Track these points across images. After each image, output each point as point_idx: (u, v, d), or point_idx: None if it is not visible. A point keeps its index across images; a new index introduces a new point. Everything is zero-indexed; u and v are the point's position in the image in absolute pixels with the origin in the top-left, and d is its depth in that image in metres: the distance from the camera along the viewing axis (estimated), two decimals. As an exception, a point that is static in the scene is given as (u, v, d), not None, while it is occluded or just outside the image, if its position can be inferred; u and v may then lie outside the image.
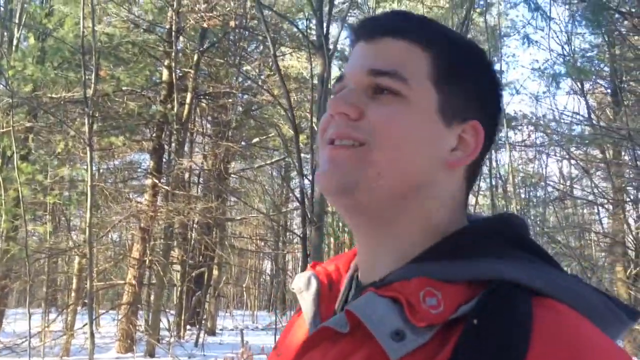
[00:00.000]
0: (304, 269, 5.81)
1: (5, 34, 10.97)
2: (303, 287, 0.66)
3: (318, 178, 0.61)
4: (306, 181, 6.32)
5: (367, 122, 0.59)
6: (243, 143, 14.04)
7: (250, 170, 17.02)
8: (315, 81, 6.97)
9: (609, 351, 0.50)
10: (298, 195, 5.88)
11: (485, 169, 19.02)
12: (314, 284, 0.65)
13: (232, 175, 15.39)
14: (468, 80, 0.63)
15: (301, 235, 5.74)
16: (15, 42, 10.65)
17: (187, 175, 11.70)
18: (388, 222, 0.60)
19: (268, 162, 16.52)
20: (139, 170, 13.15)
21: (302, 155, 6.93)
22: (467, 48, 0.65)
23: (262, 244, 22.77)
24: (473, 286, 0.54)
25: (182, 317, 11.23)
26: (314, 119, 6.24)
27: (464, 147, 0.62)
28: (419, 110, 0.60)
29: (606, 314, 0.55)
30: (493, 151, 18.26)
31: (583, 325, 0.51)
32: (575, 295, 0.54)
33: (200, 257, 12.62)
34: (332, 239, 17.09)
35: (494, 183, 18.76)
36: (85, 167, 10.68)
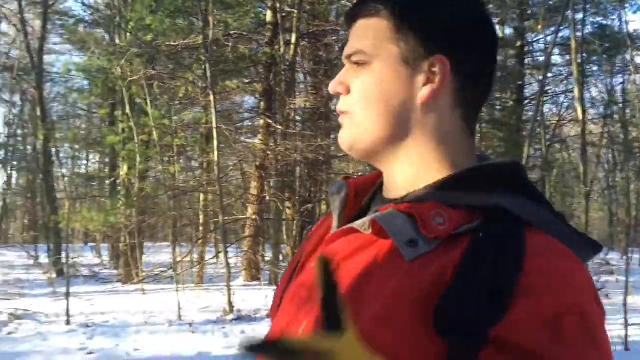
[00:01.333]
0: None
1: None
2: (335, 191, 0.78)
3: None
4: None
5: (352, 93, 0.73)
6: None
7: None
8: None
9: (577, 268, 0.63)
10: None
11: (597, 95, 17.86)
12: (344, 190, 0.77)
13: (334, 114, 15.62)
14: (421, 24, 0.71)
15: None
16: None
17: (292, 114, 12.07)
18: (392, 161, 0.73)
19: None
20: (248, 111, 13.68)
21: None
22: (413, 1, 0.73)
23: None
24: (472, 213, 0.65)
25: (296, 249, 11.91)
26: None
27: (431, 81, 0.70)
28: (380, 69, 0.71)
29: (580, 244, 0.68)
30: (608, 76, 17.13)
31: (574, 260, 0.64)
32: (556, 228, 0.67)
33: (309, 193, 13.17)
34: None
35: (609, 111, 17.68)
36: (202, 110, 11.35)
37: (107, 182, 13.54)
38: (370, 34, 0.72)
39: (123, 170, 10.71)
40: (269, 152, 9.71)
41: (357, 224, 0.69)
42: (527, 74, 15.99)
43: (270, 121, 10.34)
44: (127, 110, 10.03)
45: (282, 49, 10.93)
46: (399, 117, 0.71)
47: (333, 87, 0.75)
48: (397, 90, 0.71)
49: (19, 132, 24.17)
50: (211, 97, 7.99)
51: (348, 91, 0.73)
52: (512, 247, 0.61)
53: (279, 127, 10.03)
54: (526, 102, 16.55)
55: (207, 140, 10.89)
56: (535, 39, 16.61)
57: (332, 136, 15.47)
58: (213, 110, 7.88)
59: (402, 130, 0.72)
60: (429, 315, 0.60)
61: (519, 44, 15.89)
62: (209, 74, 8.01)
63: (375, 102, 0.71)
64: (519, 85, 16.20)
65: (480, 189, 0.68)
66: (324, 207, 14.08)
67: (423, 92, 0.70)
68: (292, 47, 11.21)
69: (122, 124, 10.93)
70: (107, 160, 16.13)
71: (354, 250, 0.69)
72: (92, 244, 17.35)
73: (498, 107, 16.65)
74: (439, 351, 0.59)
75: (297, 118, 13.29)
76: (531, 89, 16.92)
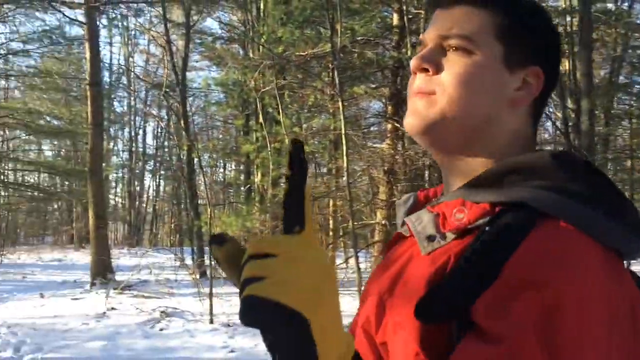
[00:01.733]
0: None
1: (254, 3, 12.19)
2: (402, 202, 0.83)
3: (404, 123, 0.75)
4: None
5: (441, 75, 0.72)
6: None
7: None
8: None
9: (589, 267, 0.59)
10: (560, 127, 5.59)
11: None
12: (411, 200, 0.82)
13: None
14: (529, 33, 0.74)
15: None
16: (262, 7, 11.78)
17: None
18: (460, 153, 0.74)
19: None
20: (374, 116, 13.71)
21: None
22: (527, 7, 0.76)
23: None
24: (494, 207, 0.66)
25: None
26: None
27: (527, 88, 0.73)
28: (483, 61, 0.72)
29: (626, 244, 0.65)
30: None
31: (576, 242, 0.60)
32: (588, 222, 0.62)
33: (438, 196, 12.86)
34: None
35: None
36: (331, 117, 11.57)
37: (243, 188, 14.30)
38: (477, 24, 0.73)
39: (257, 177, 11.25)
40: (397, 157, 9.63)
41: (401, 230, 0.78)
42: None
43: (398, 125, 10.25)
44: (260, 120, 10.52)
45: (409, 52, 10.81)
46: (489, 112, 0.73)
47: (420, 63, 0.74)
48: (495, 87, 0.72)
49: (166, 143, 26.44)
50: (339, 104, 8.10)
51: (438, 71, 0.73)
52: (511, 236, 0.61)
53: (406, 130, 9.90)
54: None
55: (336, 146, 11.07)
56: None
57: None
58: (341, 117, 7.98)
59: (487, 126, 0.73)
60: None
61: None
62: (337, 81, 8.13)
63: (474, 92, 0.72)
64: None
65: (502, 183, 0.69)
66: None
67: (515, 96, 0.73)
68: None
69: (256, 133, 11.48)
70: (242, 168, 17.06)
71: (401, 253, 0.74)
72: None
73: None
74: (442, 335, 0.62)
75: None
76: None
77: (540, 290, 0.56)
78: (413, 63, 0.75)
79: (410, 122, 0.74)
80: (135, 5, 12.41)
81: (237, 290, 0.53)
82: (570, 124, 5.47)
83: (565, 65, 6.92)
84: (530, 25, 0.75)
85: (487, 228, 0.64)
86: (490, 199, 0.67)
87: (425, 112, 0.72)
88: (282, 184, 11.22)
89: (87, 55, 12.29)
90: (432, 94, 0.72)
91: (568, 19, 10.25)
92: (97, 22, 12.64)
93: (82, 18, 13.01)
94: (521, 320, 0.55)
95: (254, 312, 0.50)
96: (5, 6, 16.57)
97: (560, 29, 12.07)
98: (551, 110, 9.94)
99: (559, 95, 5.62)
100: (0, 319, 7.96)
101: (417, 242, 0.70)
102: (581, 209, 0.64)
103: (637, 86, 14.91)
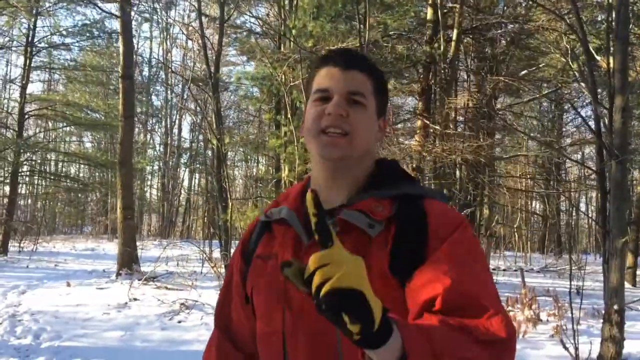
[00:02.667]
0: (602, 206, 5.14)
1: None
2: (288, 217, 1.14)
3: (323, 151, 1.10)
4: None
5: (350, 120, 1.09)
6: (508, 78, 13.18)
7: (517, 105, 16.05)
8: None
9: (451, 209, 1.13)
10: (593, 126, 5.29)
11: None
12: (294, 214, 1.14)
13: (498, 113, 14.66)
14: (384, 91, 1.20)
15: (598, 170, 5.18)
16: (294, 2, 11.66)
17: (452, 114, 11.55)
18: (350, 169, 1.13)
19: (539, 94, 15.30)
20: (406, 112, 13.46)
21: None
22: (382, 76, 1.20)
23: (532, 183, 21.53)
24: (394, 199, 1.09)
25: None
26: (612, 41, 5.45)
27: (381, 129, 1.19)
28: (370, 112, 1.13)
29: (444, 198, 1.17)
30: None
31: (440, 202, 1.11)
32: (435, 194, 1.17)
33: (469, 196, 12.51)
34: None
35: None
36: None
37: (271, 183, 14.26)
38: (367, 85, 1.13)
39: (285, 171, 11.15)
40: (424, 154, 9.37)
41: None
42: None
43: (427, 122, 9.99)
44: (289, 115, 10.41)
45: (442, 47, 10.53)
46: (369, 145, 1.15)
47: (339, 110, 1.09)
48: (373, 128, 1.15)
49: (200, 137, 26.70)
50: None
51: (348, 115, 1.10)
52: (419, 214, 1.06)
53: (436, 127, 9.64)
54: None
55: (365, 143, 10.89)
56: None
57: (496, 136, 14.61)
58: (368, 112, 7.80)
59: (367, 153, 1.15)
60: (388, 272, 1.02)
61: None
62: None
63: (368, 133, 1.14)
64: None
65: (392, 183, 1.13)
66: (485, 211, 13.32)
67: (378, 136, 1.18)
68: (453, 43, 10.74)
69: (284, 127, 11.38)
70: (272, 162, 17.04)
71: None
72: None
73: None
74: (396, 288, 1.02)
75: (459, 118, 12.74)
76: None
77: (463, 226, 1.07)
78: (334, 106, 1.09)
79: (334, 152, 1.10)
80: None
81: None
82: (603, 124, 5.15)
83: (604, 63, 6.54)
84: (384, 88, 1.20)
85: (401, 214, 1.07)
86: (392, 194, 1.10)
87: (344, 148, 1.10)
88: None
89: (121, 49, 12.42)
90: (347, 134, 1.10)
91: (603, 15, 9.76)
92: (130, 16, 12.72)
93: (117, 12, 13.16)
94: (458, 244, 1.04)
95: (337, 297, 0.74)
96: (46, 1, 16.96)
97: (598, 25, 11.56)
98: (588, 113, 9.52)
99: (591, 93, 5.32)
100: (25, 306, 8.11)
101: (364, 229, 1.05)
102: (429, 190, 1.20)
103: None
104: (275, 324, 1.10)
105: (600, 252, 21.62)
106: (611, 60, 6.20)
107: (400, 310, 0.96)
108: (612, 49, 5.27)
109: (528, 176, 19.86)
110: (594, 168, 5.24)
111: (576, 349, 5.13)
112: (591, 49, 5.40)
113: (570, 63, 9.42)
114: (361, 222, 1.04)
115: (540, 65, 13.56)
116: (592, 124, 5.58)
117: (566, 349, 5.26)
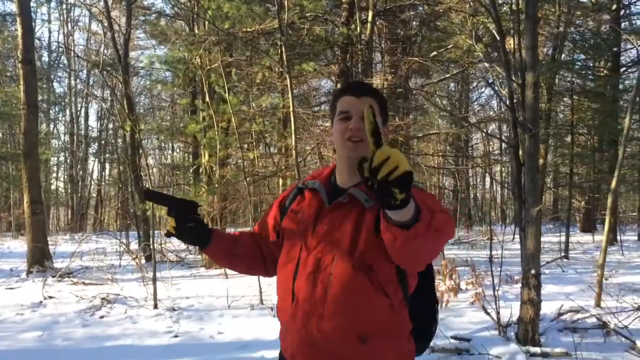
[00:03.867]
0: (517, 177, 5.40)
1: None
2: (318, 187, 1.70)
3: (349, 153, 1.62)
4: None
5: (363, 132, 1.49)
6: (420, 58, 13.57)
7: (428, 86, 16.59)
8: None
9: (430, 194, 1.60)
10: (507, 101, 5.55)
11: None
12: (322, 186, 1.70)
13: (413, 92, 15.09)
14: (386, 111, 1.72)
15: (513, 144, 5.46)
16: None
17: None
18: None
19: (448, 75, 15.90)
20: (325, 95, 13.52)
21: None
22: (385, 101, 1.72)
23: (443, 160, 22.44)
24: None
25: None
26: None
27: (385, 135, 1.64)
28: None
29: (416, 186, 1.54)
30: None
31: (415, 188, 1.47)
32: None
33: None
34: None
35: None
36: (280, 95, 11.30)
37: (191, 170, 13.90)
38: (376, 107, 1.61)
39: (204, 157, 10.89)
40: (346, 134, 9.48)
41: (340, 199, 1.61)
42: (624, 39, 14.71)
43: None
44: (207, 99, 10.15)
45: (358, 28, 10.64)
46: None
47: (357, 125, 1.60)
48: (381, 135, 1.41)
49: (110, 126, 25.47)
50: (287, 82, 7.87)
51: (362, 129, 1.55)
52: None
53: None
54: (623, 70, 15.26)
55: (285, 125, 10.84)
56: (633, 1, 15.25)
57: (410, 115, 15.05)
58: (290, 95, 7.75)
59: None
60: (373, 229, 1.52)
61: (614, 7, 14.62)
62: (284, 57, 7.87)
63: None
64: (615, 52, 14.94)
65: None
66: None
67: (384, 138, 1.46)
68: (369, 25, 10.89)
69: (202, 112, 11.09)
70: (190, 149, 16.59)
71: (345, 213, 1.60)
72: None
73: (591, 77, 15.48)
74: (381, 243, 1.40)
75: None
76: (628, 55, 15.58)
77: (440, 210, 1.40)
78: (354, 125, 1.60)
79: (355, 153, 1.58)
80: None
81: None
82: (515, 99, 5.43)
83: (511, 42, 6.88)
84: (386, 107, 1.72)
85: None
86: None
87: (361, 151, 1.56)
88: (230, 165, 10.94)
89: (19, 31, 11.53)
90: (362, 140, 1.57)
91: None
92: (29, -5, 11.79)
93: (12, -10, 12.17)
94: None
95: (406, 176, 1.09)
96: None
97: (506, 7, 12.15)
98: (497, 88, 10.01)
99: (505, 70, 5.58)
100: None
101: (361, 201, 1.57)
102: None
103: (579, 63, 15.27)
104: (293, 255, 1.64)
105: (506, 223, 23.04)
106: (513, 41, 6.54)
107: (382, 252, 1.44)
108: (521, 27, 5.54)
109: (440, 154, 20.67)
110: (506, 142, 5.53)
111: (497, 313, 5.44)
112: (501, 27, 5.65)
113: (475, 44, 9.86)
114: (361, 197, 1.58)
115: (449, 47, 14.08)
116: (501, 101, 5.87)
117: (488, 314, 5.56)
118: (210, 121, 10.10)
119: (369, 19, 10.65)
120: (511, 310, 5.68)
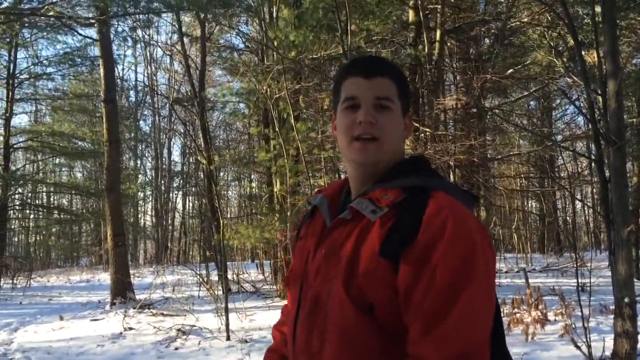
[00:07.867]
0: (604, 195, 4.88)
1: (266, 9, 11.95)
2: (319, 202, 1.33)
3: (355, 157, 1.23)
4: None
5: (378, 125, 1.21)
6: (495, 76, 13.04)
7: (505, 105, 15.92)
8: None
9: (462, 210, 1.12)
10: (587, 114, 5.10)
11: None
12: (325, 201, 1.32)
13: (488, 112, 14.52)
14: (407, 93, 1.30)
15: (597, 159, 4.98)
16: (275, 13, 11.53)
17: (442, 115, 11.39)
18: (377, 167, 1.24)
19: (526, 92, 15.20)
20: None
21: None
22: (405, 78, 1.32)
23: (526, 182, 21.36)
24: (403, 189, 1.16)
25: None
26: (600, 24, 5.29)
27: (407, 128, 1.30)
28: (396, 114, 1.24)
29: (465, 196, 1.21)
30: None
31: (451, 199, 1.13)
32: (450, 188, 1.19)
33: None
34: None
35: None
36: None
37: (264, 199, 14.01)
38: (389, 89, 1.24)
39: (276, 186, 10.92)
40: (418, 157, 9.18)
41: (342, 215, 1.22)
42: None
43: (417, 124, 9.81)
44: (277, 127, 10.21)
45: (426, 49, 10.39)
46: (396, 145, 1.26)
47: (368, 117, 1.21)
48: (400, 128, 1.26)
49: (192, 159, 26.45)
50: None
51: (376, 122, 1.21)
52: (418, 207, 1.11)
53: (427, 129, 9.47)
54: None
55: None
56: None
57: (487, 136, 14.45)
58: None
59: (396, 152, 1.26)
60: (377, 251, 1.12)
61: None
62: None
63: (393, 135, 1.24)
64: None
65: (404, 175, 1.21)
66: (482, 213, 13.10)
67: (404, 134, 1.29)
68: (437, 44, 10.62)
69: (272, 140, 11.17)
70: (264, 178, 16.79)
71: (347, 233, 1.19)
72: (258, 261, 18.11)
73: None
74: (389, 272, 1.09)
75: (449, 119, 12.58)
76: None
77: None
78: (363, 114, 1.20)
79: (364, 157, 1.22)
80: (143, 16, 12.22)
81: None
82: (597, 110, 4.98)
83: (594, 55, 6.39)
84: (407, 88, 1.30)
85: (403, 204, 1.14)
86: (401, 185, 1.18)
87: (374, 153, 1.21)
88: (300, 191, 10.90)
89: (102, 72, 12.22)
90: (376, 139, 1.20)
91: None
92: (110, 38, 12.52)
93: (96, 36, 12.98)
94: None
95: None
96: (25, 31, 16.78)
97: (587, 19, 11.46)
98: (581, 104, 9.36)
99: (582, 79, 5.14)
100: (17, 343, 7.80)
101: (366, 215, 1.16)
102: (446, 183, 1.22)
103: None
104: (296, 290, 1.29)
105: (601, 248, 21.43)
106: (600, 50, 6.05)
107: (384, 286, 1.09)
108: (599, 36, 5.12)
109: (522, 175, 19.71)
110: (591, 158, 5.06)
111: (589, 347, 4.90)
112: (577, 35, 5.24)
113: (555, 59, 9.31)
114: (365, 208, 1.17)
115: (526, 63, 13.47)
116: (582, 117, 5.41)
117: (578, 347, 5.03)
118: (280, 149, 10.14)
119: (437, 38, 10.38)
120: (603, 344, 5.11)
